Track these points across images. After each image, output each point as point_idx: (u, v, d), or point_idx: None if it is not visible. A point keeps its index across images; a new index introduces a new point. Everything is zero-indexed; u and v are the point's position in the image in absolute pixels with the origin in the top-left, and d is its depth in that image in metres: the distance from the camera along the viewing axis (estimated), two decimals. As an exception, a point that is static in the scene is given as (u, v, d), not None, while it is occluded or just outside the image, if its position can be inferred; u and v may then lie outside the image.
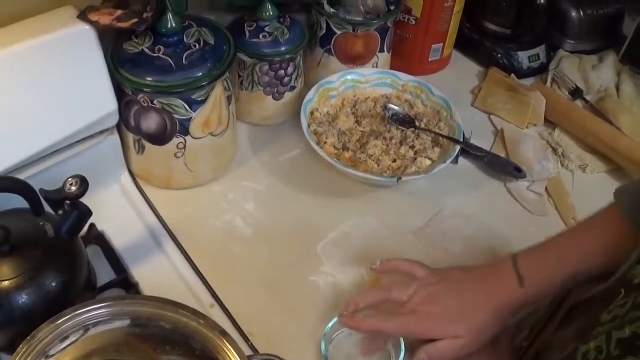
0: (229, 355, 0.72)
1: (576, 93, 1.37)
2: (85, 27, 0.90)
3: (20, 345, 0.71)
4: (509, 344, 0.89)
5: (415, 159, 1.14)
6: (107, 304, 0.76)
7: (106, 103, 0.98)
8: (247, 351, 0.89)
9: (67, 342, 0.73)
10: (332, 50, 1.26)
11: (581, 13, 1.45)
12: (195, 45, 1.00)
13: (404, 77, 1.27)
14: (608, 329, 0.63)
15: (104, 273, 0.97)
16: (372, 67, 1.30)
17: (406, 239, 1.07)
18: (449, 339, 0.83)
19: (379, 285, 0.98)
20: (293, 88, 1.22)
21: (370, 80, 1.27)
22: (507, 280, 0.84)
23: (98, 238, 1.01)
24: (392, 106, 1.22)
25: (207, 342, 0.74)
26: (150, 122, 1.02)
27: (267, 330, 0.93)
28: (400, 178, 1.08)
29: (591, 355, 0.63)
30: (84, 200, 0.84)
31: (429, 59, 1.42)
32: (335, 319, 0.89)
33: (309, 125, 1.16)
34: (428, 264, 0.99)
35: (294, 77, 1.20)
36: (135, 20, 0.92)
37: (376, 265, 0.94)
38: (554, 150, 1.26)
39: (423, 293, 0.86)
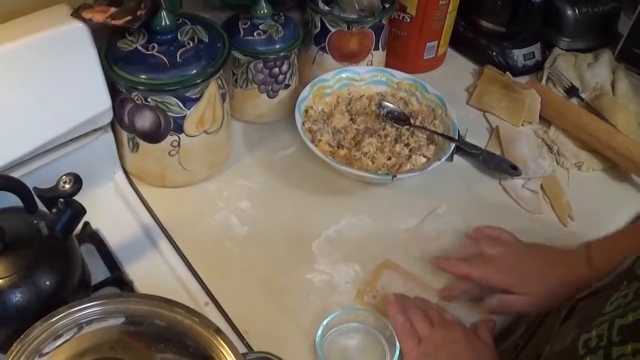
0: (223, 353, 0.72)
1: (571, 91, 1.38)
2: (79, 25, 0.89)
3: (14, 344, 0.71)
4: (489, 332, 0.92)
5: (410, 156, 1.14)
6: (101, 302, 0.76)
7: (100, 101, 0.98)
8: (242, 349, 0.89)
9: (61, 340, 0.73)
10: (327, 48, 1.26)
11: (577, 11, 1.45)
12: (189, 43, 1.00)
13: (398, 75, 1.27)
14: (610, 318, 0.63)
15: (99, 271, 0.96)
16: (367, 65, 1.30)
17: (401, 237, 1.07)
18: (520, 295, 0.92)
19: (378, 281, 0.99)
20: (288, 86, 1.22)
21: (365, 78, 1.27)
22: (578, 260, 0.93)
23: (92, 236, 1.01)
24: (387, 104, 1.22)
25: (202, 339, 0.74)
26: (145, 120, 1.01)
27: (261, 328, 0.93)
28: (395, 176, 1.08)
29: (592, 343, 0.63)
30: (78, 198, 0.83)
31: (424, 57, 1.42)
32: (329, 317, 0.90)
33: (303, 123, 1.15)
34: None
35: (288, 75, 1.20)
36: (129, 18, 0.92)
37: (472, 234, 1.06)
38: (550, 148, 1.26)
39: (508, 252, 0.98)
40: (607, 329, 0.62)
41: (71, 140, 0.99)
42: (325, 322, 0.89)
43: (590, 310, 0.69)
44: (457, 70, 1.47)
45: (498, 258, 0.97)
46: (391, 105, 1.22)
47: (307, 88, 1.20)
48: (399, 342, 0.88)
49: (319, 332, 0.88)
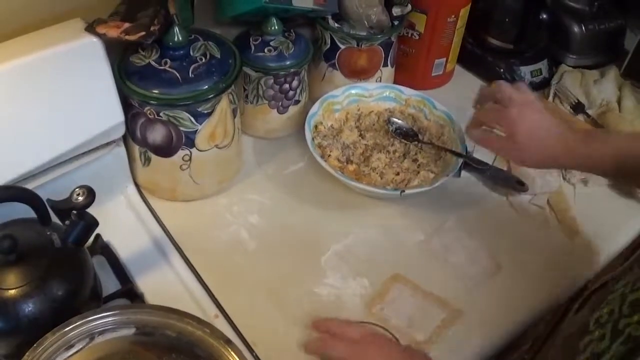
0: (233, 364, 0.73)
1: (578, 107, 1.38)
2: (93, 40, 0.91)
3: (27, 354, 0.71)
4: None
5: (418, 172, 1.14)
6: (113, 312, 0.77)
7: (113, 115, 0.99)
8: (251, 361, 0.89)
9: (73, 350, 0.74)
10: (337, 64, 1.27)
11: (583, 28, 1.46)
12: (201, 59, 1.01)
13: (407, 91, 1.28)
14: (621, 293, 0.64)
15: (110, 283, 0.97)
16: (376, 81, 1.31)
17: (409, 252, 1.07)
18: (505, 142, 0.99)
19: (388, 294, 0.99)
20: (298, 102, 1.23)
21: (374, 94, 1.28)
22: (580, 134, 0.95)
23: (104, 249, 1.01)
24: (396, 120, 1.23)
25: (212, 350, 0.74)
26: (157, 135, 1.03)
27: (270, 341, 0.93)
28: (404, 191, 1.08)
29: (603, 319, 0.63)
30: (90, 211, 0.84)
31: (432, 74, 1.43)
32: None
33: (313, 139, 1.16)
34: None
35: (298, 91, 1.21)
36: (143, 33, 0.93)
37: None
38: (557, 164, 1.27)
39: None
40: (617, 305, 0.62)
41: (84, 153, 1.00)
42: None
43: (601, 295, 0.70)
44: (465, 86, 1.47)
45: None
46: (400, 121, 1.23)
47: (317, 104, 1.21)
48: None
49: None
